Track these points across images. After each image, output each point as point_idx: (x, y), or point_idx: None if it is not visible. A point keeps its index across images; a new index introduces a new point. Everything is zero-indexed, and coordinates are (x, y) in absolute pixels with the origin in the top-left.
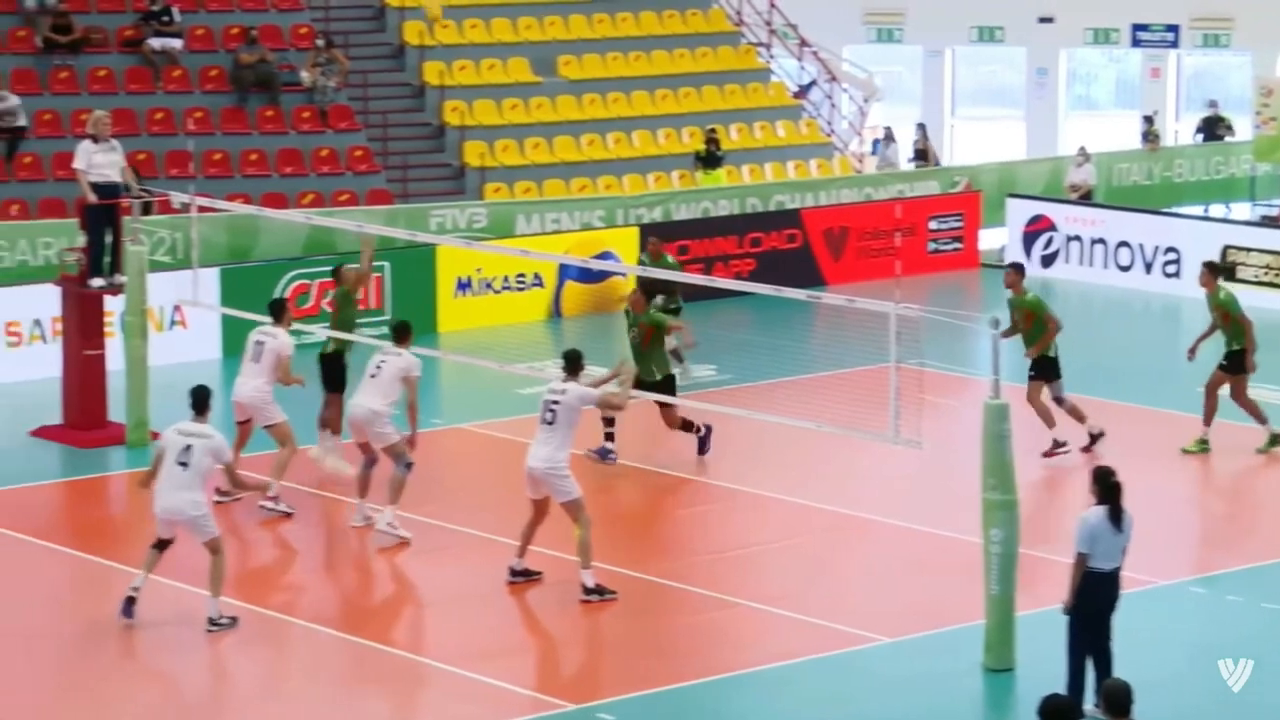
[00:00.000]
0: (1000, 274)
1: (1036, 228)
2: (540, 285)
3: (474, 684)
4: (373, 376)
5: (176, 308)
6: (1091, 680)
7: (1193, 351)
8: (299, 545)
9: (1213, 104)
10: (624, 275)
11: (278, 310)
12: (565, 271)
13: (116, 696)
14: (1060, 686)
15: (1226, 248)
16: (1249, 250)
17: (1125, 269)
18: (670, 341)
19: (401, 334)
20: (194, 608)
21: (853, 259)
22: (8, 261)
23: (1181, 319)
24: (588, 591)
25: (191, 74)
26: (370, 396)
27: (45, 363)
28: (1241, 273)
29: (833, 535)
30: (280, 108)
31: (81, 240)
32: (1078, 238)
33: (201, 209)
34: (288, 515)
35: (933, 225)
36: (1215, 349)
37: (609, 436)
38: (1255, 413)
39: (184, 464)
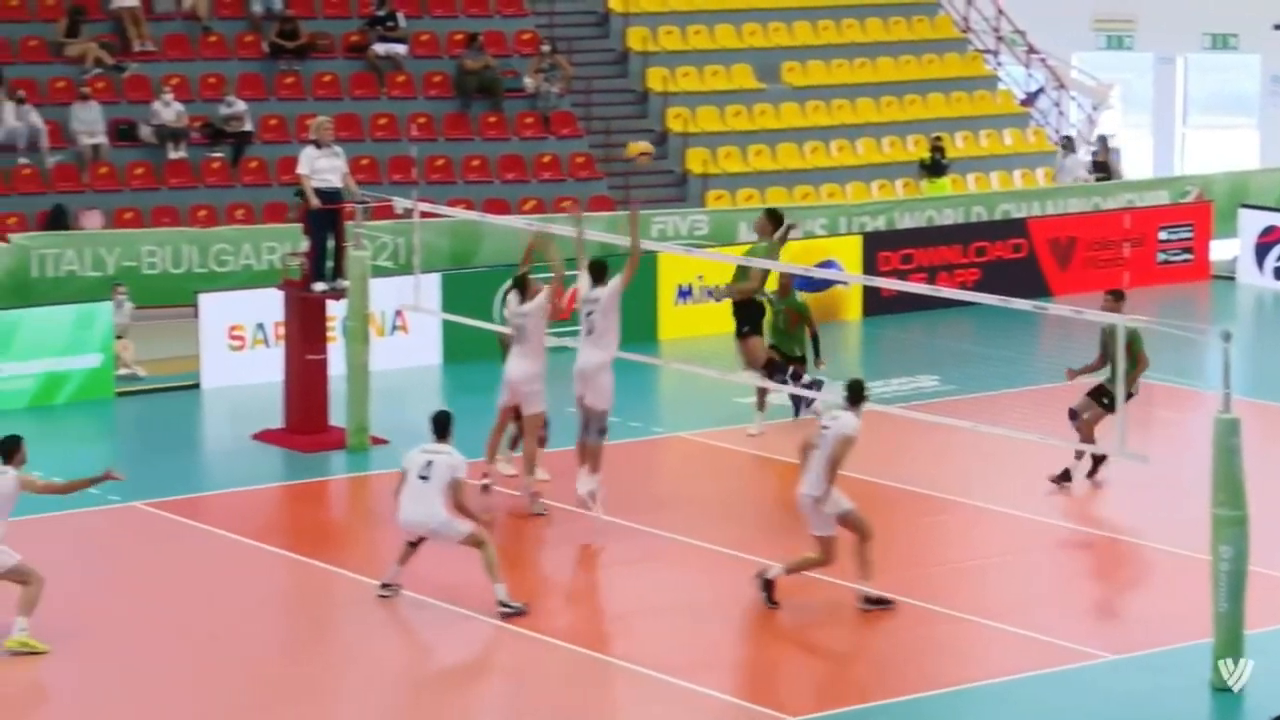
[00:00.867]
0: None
1: (1270, 239)
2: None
3: (687, 693)
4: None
5: (398, 313)
6: None
7: None
8: (517, 547)
9: None
10: (846, 284)
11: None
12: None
13: (339, 697)
14: None
15: None
16: None
17: None
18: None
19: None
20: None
21: (1080, 269)
22: (232, 265)
23: None
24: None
25: (415, 80)
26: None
27: (267, 367)
28: None
29: (1057, 550)
30: (503, 114)
31: (304, 245)
32: None
33: (424, 214)
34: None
35: (1162, 236)
36: None
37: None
38: None
39: (425, 478)
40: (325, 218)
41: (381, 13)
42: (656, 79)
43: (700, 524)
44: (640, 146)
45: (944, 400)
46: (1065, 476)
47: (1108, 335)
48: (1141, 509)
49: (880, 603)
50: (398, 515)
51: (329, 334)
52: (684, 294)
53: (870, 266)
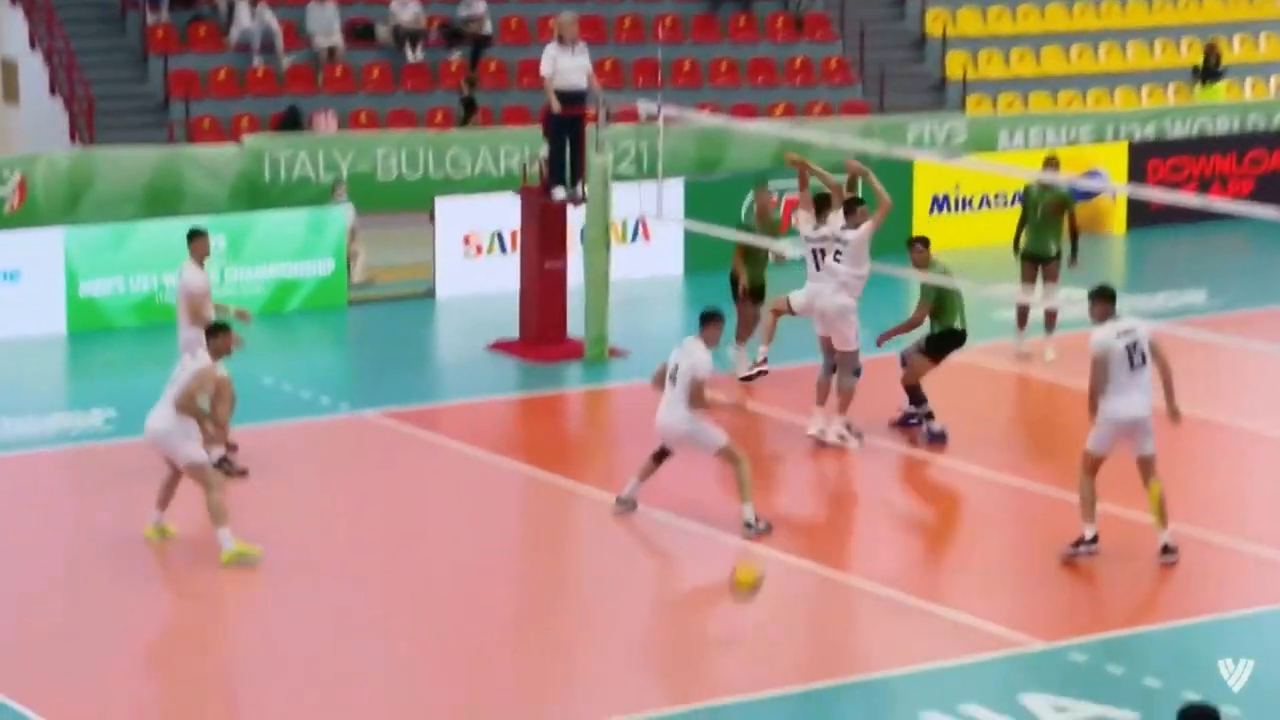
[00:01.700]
0: None
1: None
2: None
3: (942, 620)
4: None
5: (640, 221)
6: None
7: None
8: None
9: None
10: (1112, 194)
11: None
12: None
13: (585, 619)
14: None
15: None
16: None
17: None
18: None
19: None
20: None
21: None
22: (469, 171)
23: None
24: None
25: None
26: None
27: (504, 275)
28: None
29: None
30: (754, 15)
31: (544, 150)
32: None
33: (668, 119)
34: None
35: None
36: None
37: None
38: None
39: (674, 379)
40: (566, 122)
41: None
42: None
43: (963, 445)
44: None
45: (1211, 316)
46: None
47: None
48: None
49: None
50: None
51: (568, 242)
52: (939, 204)
53: (1138, 176)
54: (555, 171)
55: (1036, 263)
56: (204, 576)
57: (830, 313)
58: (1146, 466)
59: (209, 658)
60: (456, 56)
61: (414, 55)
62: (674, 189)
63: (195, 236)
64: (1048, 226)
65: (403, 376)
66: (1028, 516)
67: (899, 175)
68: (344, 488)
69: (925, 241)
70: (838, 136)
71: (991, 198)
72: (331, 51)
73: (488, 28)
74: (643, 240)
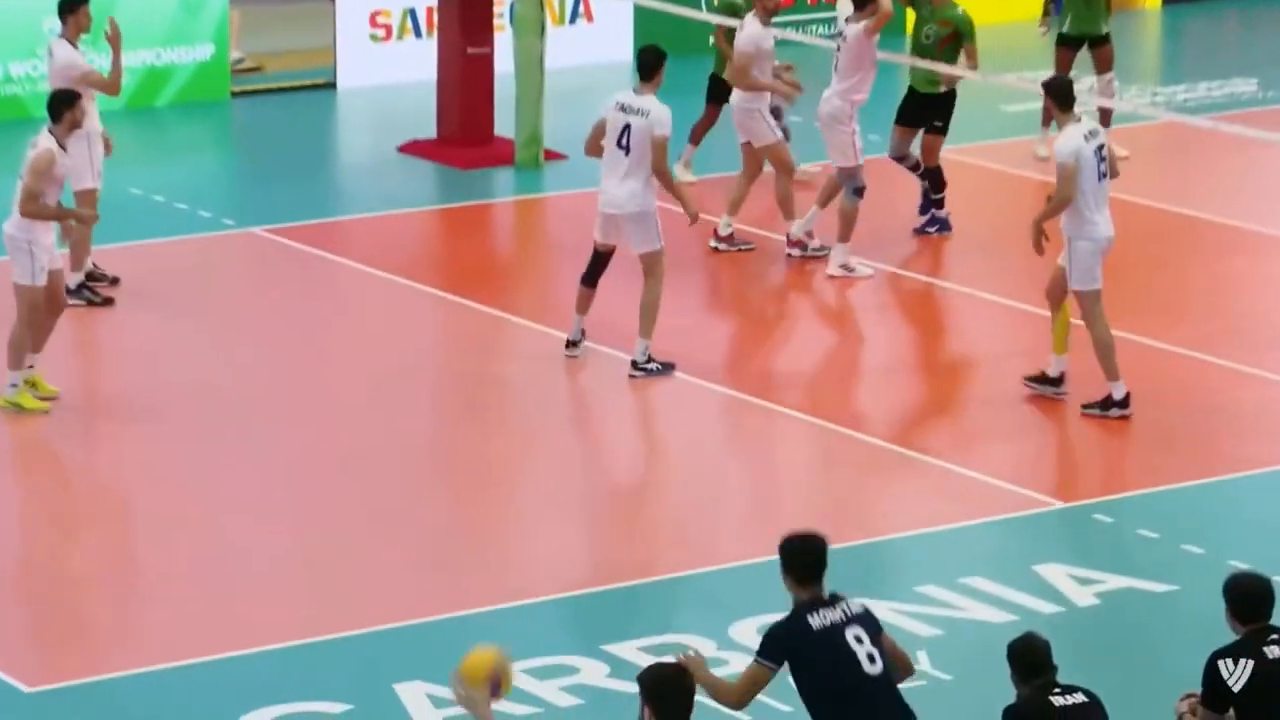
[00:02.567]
0: None
1: None
2: None
3: (945, 476)
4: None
5: None
6: None
7: None
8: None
9: None
10: None
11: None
12: None
13: (530, 480)
14: None
15: None
16: None
17: None
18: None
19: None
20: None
21: None
22: None
23: None
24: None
25: None
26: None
27: (418, 63)
28: None
29: None
30: None
31: None
32: None
33: None
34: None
35: None
36: None
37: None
38: None
39: (625, 148)
40: None
41: None
42: None
43: (987, 272)
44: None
45: (1262, 110)
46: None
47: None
48: None
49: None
50: (599, 199)
51: (496, 22)
52: None
53: None
54: None
55: (1079, 46)
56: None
57: (822, 119)
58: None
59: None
60: None
61: None
62: None
63: (73, 6)
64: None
65: (297, 185)
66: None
67: None
68: (226, 321)
69: None
70: None
71: None
72: None
73: None
74: (584, 20)
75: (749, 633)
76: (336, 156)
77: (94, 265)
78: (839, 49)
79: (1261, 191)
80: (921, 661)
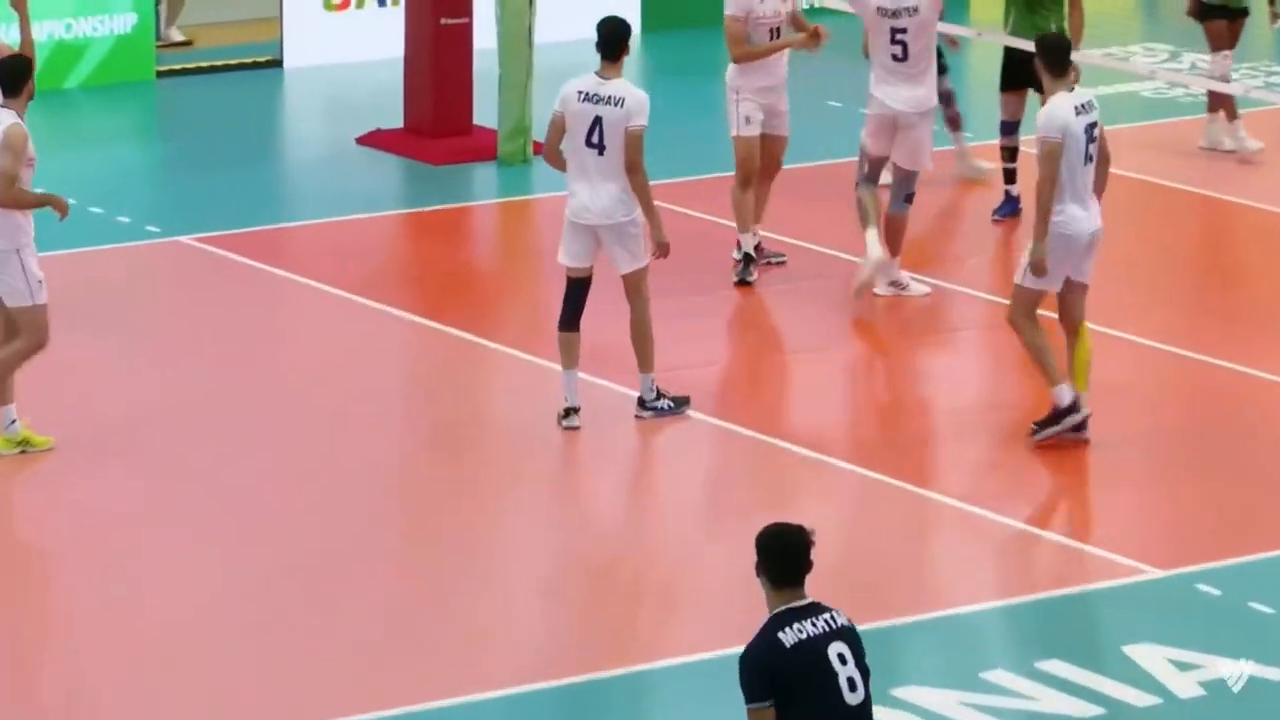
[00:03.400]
0: None
1: None
2: None
3: (1029, 539)
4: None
5: None
6: None
7: None
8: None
9: None
10: None
11: None
12: None
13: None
14: None
15: None
16: None
17: None
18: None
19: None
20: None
21: None
22: None
23: None
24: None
25: None
26: None
27: (382, 37)
28: None
29: None
30: None
31: None
32: None
33: None
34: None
35: None
36: None
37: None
38: None
39: (597, 147)
40: None
41: None
42: None
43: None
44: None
45: None
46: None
47: None
48: None
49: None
50: (567, 207)
51: None
52: None
53: None
54: None
55: (1223, 19)
56: None
57: (908, 117)
58: (1079, 302)
59: None
60: None
61: None
62: None
63: None
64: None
65: (235, 184)
66: (1158, 398)
67: None
68: (147, 352)
69: None
70: None
71: None
72: None
73: None
74: None
75: None
76: (283, 150)
77: None
78: (904, 31)
79: None
80: None
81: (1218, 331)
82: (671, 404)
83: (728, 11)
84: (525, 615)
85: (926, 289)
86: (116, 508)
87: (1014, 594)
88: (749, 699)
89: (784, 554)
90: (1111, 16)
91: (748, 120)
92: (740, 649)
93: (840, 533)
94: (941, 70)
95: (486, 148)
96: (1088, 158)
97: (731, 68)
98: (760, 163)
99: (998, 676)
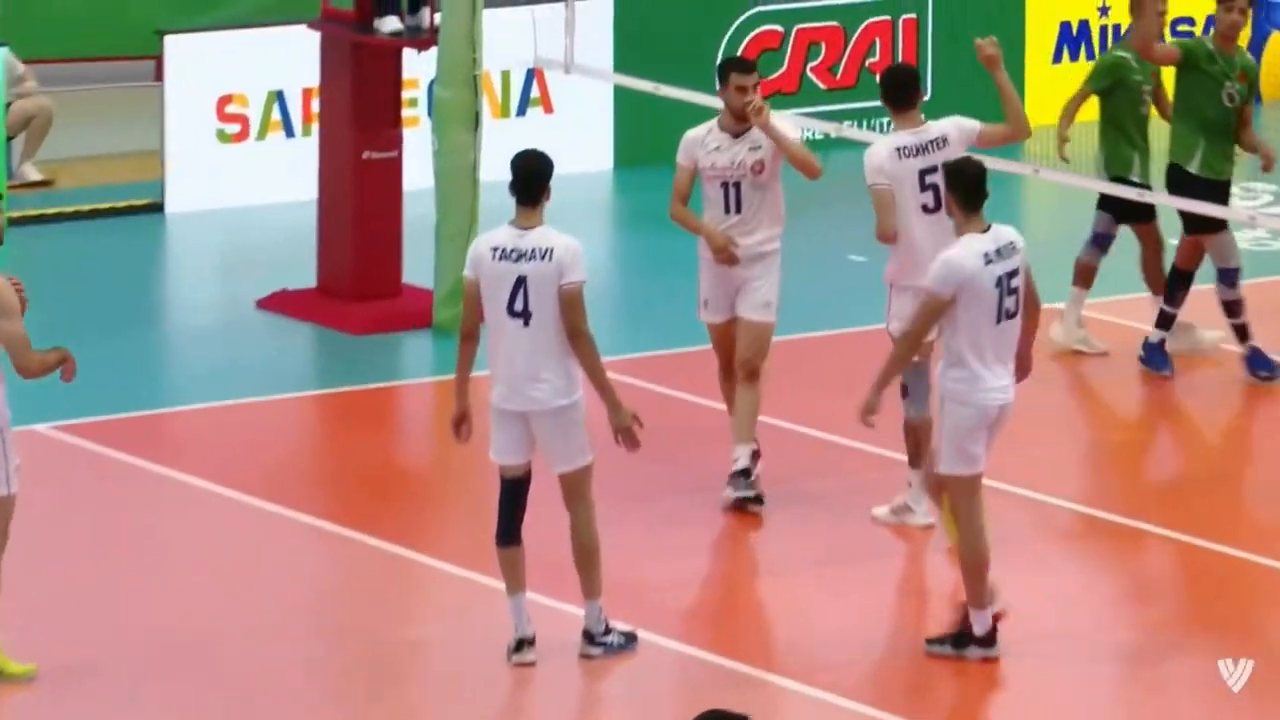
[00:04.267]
0: None
1: None
2: None
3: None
4: None
5: (535, 75)
6: None
7: None
8: None
9: None
10: None
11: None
12: None
13: None
14: None
15: None
16: None
17: None
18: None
19: None
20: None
21: None
22: None
23: None
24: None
25: None
26: None
27: (289, 175)
28: None
29: None
30: None
31: None
32: None
33: None
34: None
35: None
36: None
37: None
38: None
39: (521, 315)
40: None
41: None
42: None
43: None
44: None
45: None
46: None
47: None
48: None
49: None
50: (492, 392)
51: (406, 112)
52: (1070, 42)
53: None
54: None
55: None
56: None
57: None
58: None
59: None
60: None
61: None
62: (599, 22)
63: None
64: (1231, 120)
65: (106, 358)
66: None
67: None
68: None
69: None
70: None
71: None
72: None
73: None
74: (540, 110)
75: None
76: (165, 315)
77: None
78: (934, 172)
79: None
80: None
81: None
82: (623, 639)
83: (677, 156)
84: None
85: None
86: None
87: None
88: None
89: None
90: None
91: (705, 304)
92: None
93: None
94: None
95: (419, 313)
96: (1002, 314)
97: None
98: (734, 356)
99: None
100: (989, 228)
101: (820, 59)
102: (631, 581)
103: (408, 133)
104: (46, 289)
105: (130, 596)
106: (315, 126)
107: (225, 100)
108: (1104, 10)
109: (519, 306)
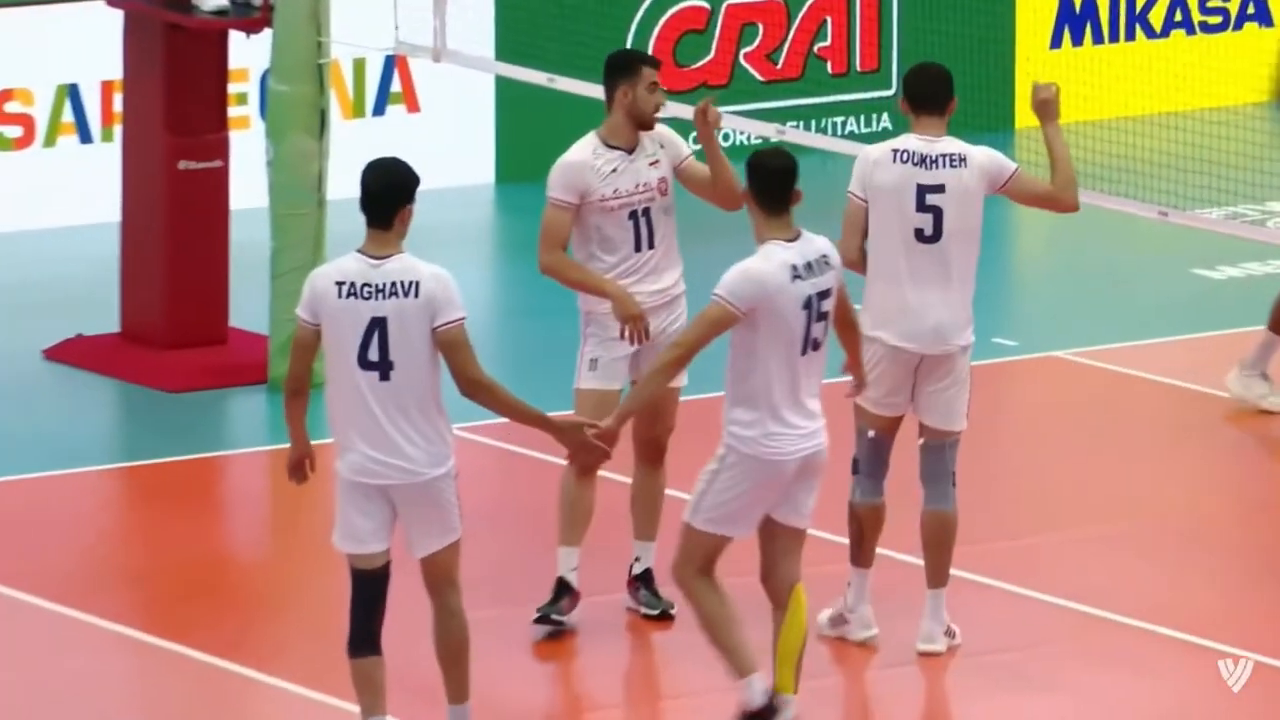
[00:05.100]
0: None
1: None
2: None
3: None
4: None
5: (396, 59)
6: None
7: None
8: None
9: None
10: None
11: None
12: None
13: None
14: None
15: None
16: None
17: None
18: None
19: None
20: None
21: None
22: None
23: None
24: None
25: None
26: None
27: (85, 191)
28: None
29: None
30: None
31: None
32: None
33: None
34: None
35: None
36: None
37: None
38: None
39: (378, 366)
40: None
41: None
42: None
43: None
44: None
45: None
46: None
47: None
48: None
49: None
50: (340, 463)
51: (234, 112)
52: (1071, 22)
53: None
54: None
55: None
56: None
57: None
58: (790, 556)
59: None
60: None
61: None
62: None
63: None
64: None
65: None
66: None
67: None
68: None
69: None
70: None
71: None
72: None
73: None
74: (404, 109)
75: None
76: None
77: None
78: (939, 190)
79: None
80: None
81: None
82: None
83: (549, 191)
84: None
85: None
86: None
87: None
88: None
89: None
90: (1243, 159)
91: (592, 364)
92: None
93: None
94: None
95: (251, 366)
96: (809, 344)
97: None
98: (638, 436)
99: None
100: (798, 235)
101: (756, 44)
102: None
103: (235, 137)
104: None
105: None
106: (118, 130)
107: (3, 97)
108: None
109: (374, 356)
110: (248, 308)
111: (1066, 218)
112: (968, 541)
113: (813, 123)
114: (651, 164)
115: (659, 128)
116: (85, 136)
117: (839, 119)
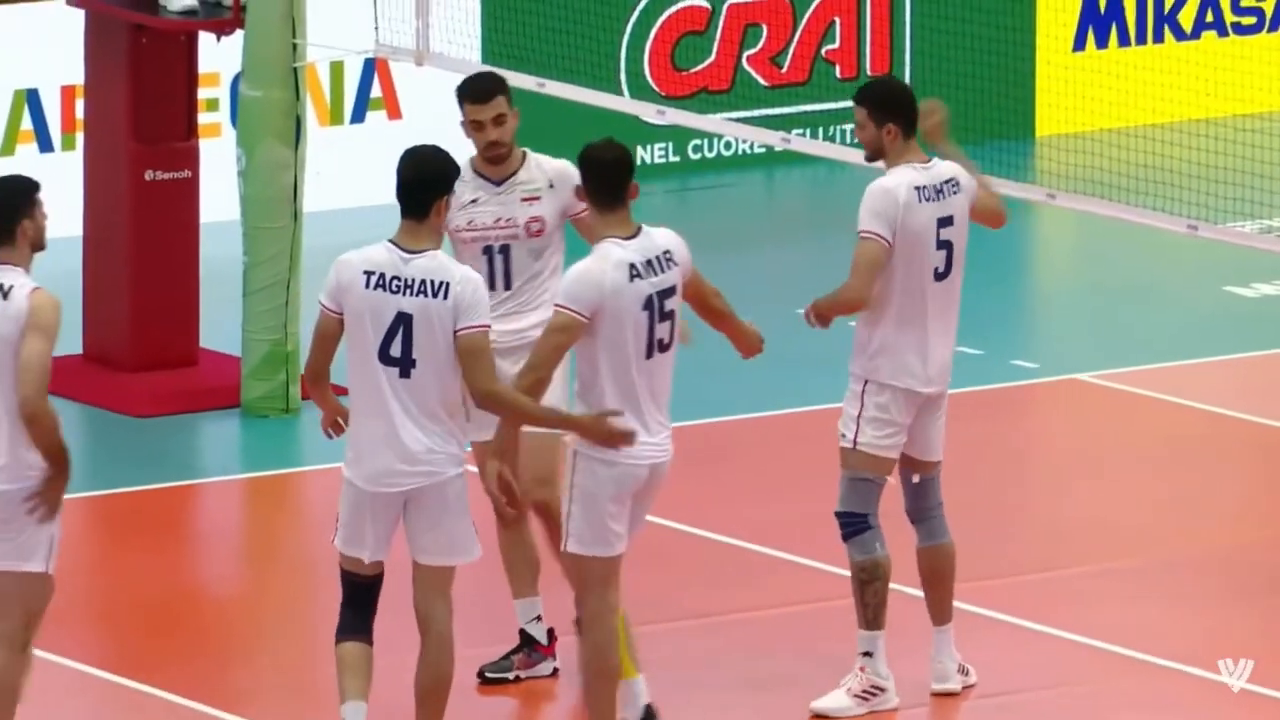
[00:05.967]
0: None
1: None
2: None
3: None
4: None
5: (376, 63)
6: None
7: None
8: None
9: None
10: None
11: None
12: None
13: None
14: None
15: None
16: None
17: None
18: None
19: None
20: None
21: None
22: None
23: None
24: None
25: None
26: None
27: (46, 199)
28: None
29: None
30: None
31: None
32: None
33: None
34: None
35: None
36: None
37: None
38: None
39: (402, 364)
40: None
41: None
42: None
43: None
44: None
45: None
46: None
47: None
48: None
49: None
50: (355, 471)
51: (204, 118)
52: (1096, 23)
53: None
54: None
55: None
56: None
57: None
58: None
59: None
60: None
61: None
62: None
63: None
64: None
65: None
66: None
67: None
68: None
69: None
70: None
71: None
72: None
73: None
74: (384, 115)
75: None
76: None
77: None
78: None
79: None
80: None
81: None
82: None
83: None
84: None
85: None
86: None
87: None
88: None
89: None
90: (1278, 168)
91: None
92: None
93: None
94: None
95: (222, 389)
96: (654, 346)
97: None
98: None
99: None
100: (637, 231)
101: (760, 46)
102: None
103: (205, 146)
104: None
105: None
106: (80, 138)
107: None
108: None
109: (396, 352)
110: (219, 327)
111: (1090, 231)
112: (984, 576)
113: (820, 130)
114: (526, 200)
115: (558, 166)
116: (45, 145)
117: (848, 127)
